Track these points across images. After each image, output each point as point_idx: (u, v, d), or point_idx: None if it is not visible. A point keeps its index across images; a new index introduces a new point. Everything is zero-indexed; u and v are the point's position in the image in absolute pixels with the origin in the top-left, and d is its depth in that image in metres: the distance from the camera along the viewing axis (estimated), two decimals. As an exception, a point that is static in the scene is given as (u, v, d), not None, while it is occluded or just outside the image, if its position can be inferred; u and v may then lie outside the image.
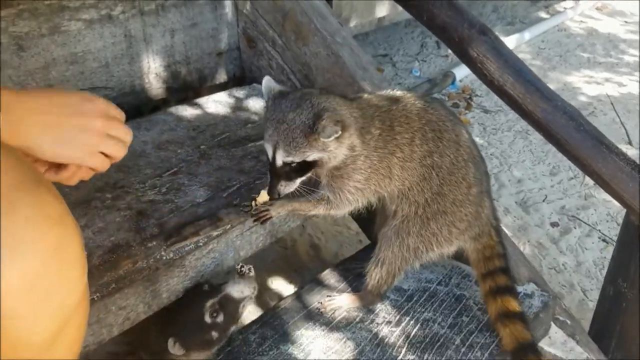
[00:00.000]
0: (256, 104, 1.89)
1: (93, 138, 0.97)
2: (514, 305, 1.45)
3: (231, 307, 1.34)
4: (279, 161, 1.28)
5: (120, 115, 1.03)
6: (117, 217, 1.32)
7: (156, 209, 1.36)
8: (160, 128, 1.70)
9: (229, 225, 1.37)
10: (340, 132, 1.25)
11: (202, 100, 1.87)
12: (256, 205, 1.38)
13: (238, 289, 1.36)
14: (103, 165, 1.01)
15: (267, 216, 1.39)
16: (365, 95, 1.45)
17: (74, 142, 0.95)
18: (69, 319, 0.79)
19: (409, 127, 1.38)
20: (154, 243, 1.26)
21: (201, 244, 1.32)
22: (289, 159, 1.27)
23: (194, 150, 1.60)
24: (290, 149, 1.26)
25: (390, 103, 1.41)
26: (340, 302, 1.57)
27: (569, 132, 1.48)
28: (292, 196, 1.37)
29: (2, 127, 0.84)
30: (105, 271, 1.16)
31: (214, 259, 1.37)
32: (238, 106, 1.87)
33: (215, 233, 1.34)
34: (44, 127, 0.92)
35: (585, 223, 2.75)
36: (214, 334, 1.33)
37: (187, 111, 1.81)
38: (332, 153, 1.29)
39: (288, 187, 1.32)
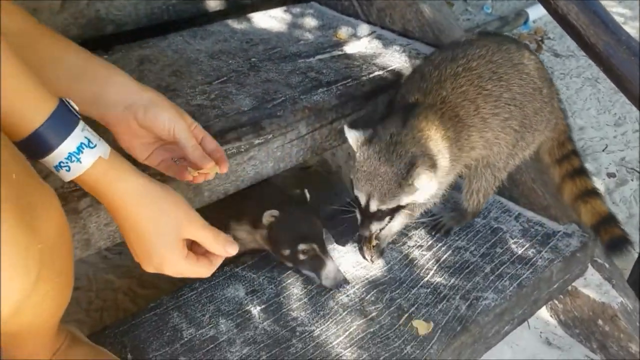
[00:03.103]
0: (311, 22, 1.89)
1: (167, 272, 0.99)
2: (590, 183, 1.63)
3: (317, 264, 1.40)
4: (373, 208, 1.34)
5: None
6: (166, 117, 1.37)
7: (203, 113, 1.40)
8: (215, 38, 1.73)
9: (271, 135, 1.41)
10: (434, 174, 1.30)
11: (258, 15, 1.88)
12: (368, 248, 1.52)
13: (327, 277, 1.40)
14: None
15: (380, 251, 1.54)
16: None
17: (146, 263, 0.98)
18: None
19: (468, 101, 1.40)
20: (199, 144, 1.31)
21: (242, 150, 1.36)
22: (384, 207, 1.33)
23: (245, 62, 1.63)
24: (385, 198, 1.32)
25: (440, 86, 1.41)
26: (445, 220, 1.64)
27: (630, 68, 1.40)
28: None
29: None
30: (149, 166, 1.23)
31: (254, 166, 1.41)
32: (293, 23, 1.87)
33: (257, 141, 1.38)
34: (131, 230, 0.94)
35: (644, 176, 2.63)
36: (286, 251, 1.40)
37: (242, 24, 1.83)
38: (426, 191, 1.34)
39: (379, 226, 1.39)
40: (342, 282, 1.40)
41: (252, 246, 1.50)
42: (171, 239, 0.94)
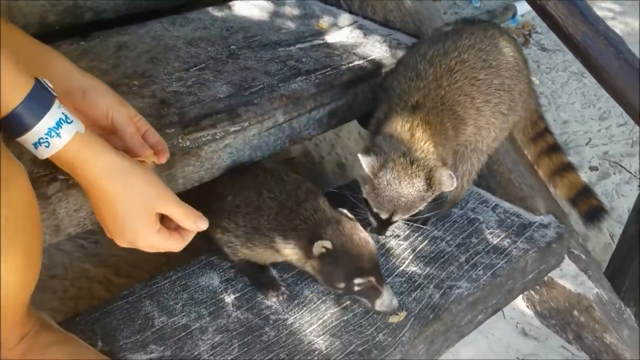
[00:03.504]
0: (293, 11, 1.88)
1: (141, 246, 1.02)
2: (564, 159, 1.69)
3: (373, 294, 1.30)
4: (395, 219, 1.38)
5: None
6: (140, 103, 1.36)
7: (179, 99, 1.39)
8: (195, 25, 1.72)
9: (247, 123, 1.40)
10: (452, 172, 1.35)
11: (239, 3, 1.87)
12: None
13: (382, 304, 1.31)
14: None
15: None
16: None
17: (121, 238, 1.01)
18: None
19: (464, 95, 1.42)
20: (172, 130, 1.30)
21: (218, 137, 1.35)
22: (406, 217, 1.38)
23: (224, 49, 1.62)
24: (408, 212, 1.36)
25: (437, 85, 1.42)
26: (423, 211, 1.58)
27: (607, 59, 1.41)
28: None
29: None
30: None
31: (230, 154, 1.40)
32: (274, 11, 1.86)
33: (232, 129, 1.37)
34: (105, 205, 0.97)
35: (626, 170, 2.65)
36: (341, 284, 1.29)
37: (223, 12, 1.81)
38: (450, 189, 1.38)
39: (394, 227, 1.42)
40: (395, 309, 1.32)
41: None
42: (143, 214, 0.97)
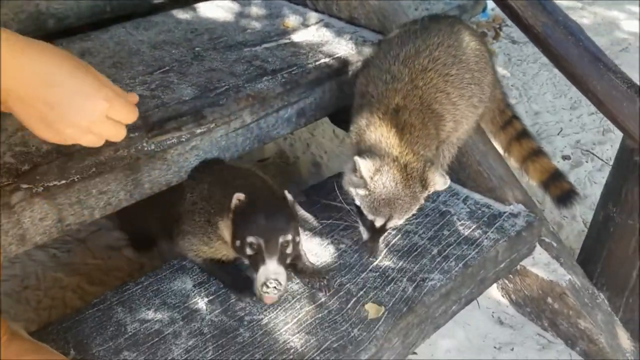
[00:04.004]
0: (258, 11, 1.88)
1: (88, 119, 0.94)
2: (534, 144, 1.72)
3: (257, 263, 1.26)
4: (390, 226, 1.38)
5: (132, 97, 1.03)
6: (104, 108, 1.35)
7: (142, 103, 1.37)
8: (159, 29, 1.71)
9: (213, 124, 1.39)
10: (443, 172, 1.38)
11: (204, 4, 1.87)
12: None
13: (259, 279, 1.25)
14: (95, 143, 0.99)
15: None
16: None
17: (67, 117, 0.92)
18: None
19: (439, 92, 1.45)
20: (136, 134, 1.29)
21: (183, 140, 1.35)
22: (400, 222, 1.39)
23: (189, 52, 1.61)
24: (404, 215, 1.37)
25: (413, 86, 1.44)
26: None
27: (567, 47, 1.43)
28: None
29: None
30: (86, 155, 1.20)
31: (197, 156, 1.40)
32: (240, 12, 1.86)
33: (198, 130, 1.37)
34: (42, 85, 0.88)
35: (598, 158, 2.68)
36: (237, 242, 1.28)
37: (187, 14, 1.81)
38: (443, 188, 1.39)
39: (384, 234, 1.42)
40: (275, 284, 1.23)
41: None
42: (90, 75, 0.94)
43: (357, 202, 1.39)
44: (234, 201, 1.28)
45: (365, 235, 1.41)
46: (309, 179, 2.32)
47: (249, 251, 1.26)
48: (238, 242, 1.28)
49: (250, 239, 1.25)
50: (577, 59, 1.42)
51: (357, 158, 1.34)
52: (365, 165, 1.33)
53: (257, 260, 1.25)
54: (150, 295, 1.37)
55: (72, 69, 0.92)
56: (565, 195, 1.70)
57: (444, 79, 1.45)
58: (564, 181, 1.71)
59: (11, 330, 1.14)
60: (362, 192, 1.35)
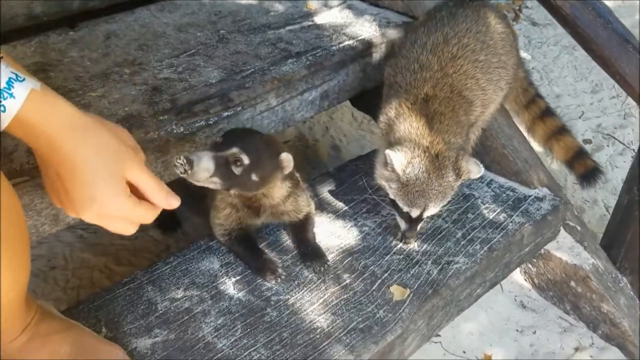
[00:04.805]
0: (281, -7, 1.87)
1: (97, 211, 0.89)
2: (559, 122, 1.71)
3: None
4: (427, 215, 1.39)
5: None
6: (132, 90, 1.37)
7: (170, 86, 1.39)
8: (183, 11, 1.71)
9: (240, 107, 1.40)
10: (476, 159, 1.37)
11: (227, -13, 1.86)
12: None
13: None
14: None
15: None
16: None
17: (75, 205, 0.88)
18: None
19: (470, 78, 1.45)
20: (166, 117, 1.31)
21: (211, 122, 1.36)
22: (436, 211, 1.39)
23: (213, 34, 1.62)
24: (439, 204, 1.37)
25: (443, 74, 1.44)
26: None
27: (595, 29, 1.41)
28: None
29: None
30: (117, 138, 1.22)
31: (224, 139, 1.41)
32: (263, -6, 1.85)
33: (225, 113, 1.37)
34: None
35: (619, 142, 2.66)
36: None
37: (211, -3, 1.81)
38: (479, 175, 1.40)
39: (422, 223, 1.44)
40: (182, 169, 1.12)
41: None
42: (113, 175, 0.87)
43: (391, 196, 1.39)
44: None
45: (403, 225, 1.42)
46: (328, 162, 2.33)
47: (216, 140, 1.22)
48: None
49: (219, 138, 1.22)
50: (605, 41, 1.40)
51: (388, 151, 1.34)
52: (396, 158, 1.33)
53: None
54: (179, 275, 1.39)
55: (106, 168, 0.87)
56: (589, 174, 1.69)
57: (473, 65, 1.45)
58: (589, 159, 1.71)
59: (42, 310, 1.16)
60: (395, 185, 1.36)
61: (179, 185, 1.41)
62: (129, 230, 0.95)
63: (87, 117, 0.87)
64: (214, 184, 1.20)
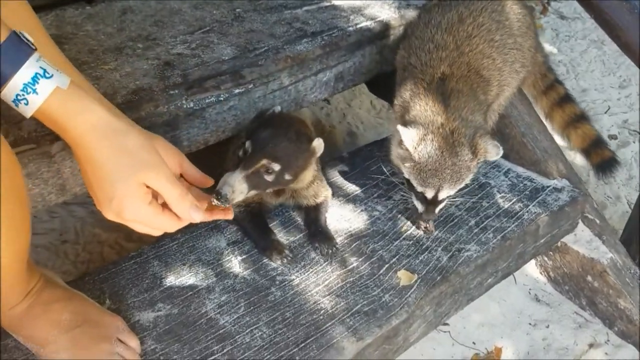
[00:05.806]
0: (299, -26, 1.85)
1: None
2: (577, 109, 1.67)
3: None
4: (442, 196, 1.34)
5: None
6: (144, 64, 1.36)
7: (182, 61, 1.38)
8: (200, -11, 1.70)
9: (252, 85, 1.39)
10: (496, 140, 1.32)
11: (245, -33, 1.84)
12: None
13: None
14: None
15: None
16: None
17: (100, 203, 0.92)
18: None
19: (486, 57, 1.42)
20: (176, 91, 1.30)
21: (222, 99, 1.34)
22: (452, 192, 1.34)
23: (229, 12, 1.60)
24: (455, 185, 1.32)
25: (459, 52, 1.41)
26: None
27: (620, 14, 1.36)
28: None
29: None
30: (127, 110, 1.21)
31: (235, 117, 1.39)
32: (281, -25, 1.83)
33: (236, 90, 1.36)
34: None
35: (647, 138, 2.58)
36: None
37: (228, -24, 1.79)
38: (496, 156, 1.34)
39: (441, 206, 1.38)
40: (222, 192, 1.11)
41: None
42: (131, 179, 0.87)
43: (406, 175, 1.36)
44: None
45: (420, 207, 1.37)
46: (344, 149, 2.30)
47: (240, 153, 1.22)
48: (241, 141, 1.24)
49: (247, 143, 1.21)
50: (630, 25, 1.35)
51: (399, 127, 1.31)
52: (408, 135, 1.30)
53: (233, 165, 1.20)
54: (186, 252, 1.38)
55: (125, 171, 0.88)
56: (605, 163, 1.64)
57: (489, 45, 1.41)
58: (606, 148, 1.66)
59: (45, 278, 1.16)
60: (408, 164, 1.33)
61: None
62: (153, 233, 0.97)
63: (119, 122, 0.89)
64: (250, 195, 1.22)
